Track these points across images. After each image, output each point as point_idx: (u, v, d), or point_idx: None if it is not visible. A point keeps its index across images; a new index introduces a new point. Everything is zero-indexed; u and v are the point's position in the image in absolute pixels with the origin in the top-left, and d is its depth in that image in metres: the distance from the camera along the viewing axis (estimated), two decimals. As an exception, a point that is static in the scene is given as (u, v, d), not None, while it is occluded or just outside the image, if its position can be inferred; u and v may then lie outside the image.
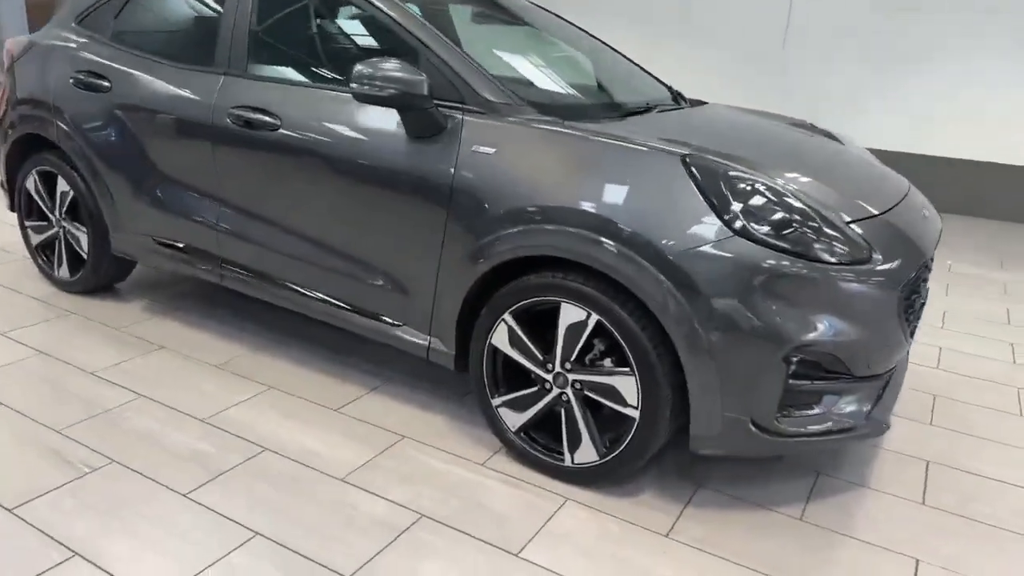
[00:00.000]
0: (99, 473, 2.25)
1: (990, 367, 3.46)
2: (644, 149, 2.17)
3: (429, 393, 2.86)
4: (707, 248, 2.01)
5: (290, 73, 2.84)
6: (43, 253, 3.66)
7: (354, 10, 2.71)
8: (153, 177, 3.09)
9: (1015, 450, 2.75)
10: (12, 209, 3.76)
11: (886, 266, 2.12)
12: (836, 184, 2.34)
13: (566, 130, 2.27)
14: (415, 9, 2.62)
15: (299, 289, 2.79)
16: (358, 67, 2.31)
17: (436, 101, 2.37)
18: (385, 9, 2.57)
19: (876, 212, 2.26)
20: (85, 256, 3.45)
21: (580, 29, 3.48)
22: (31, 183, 3.54)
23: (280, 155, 2.66)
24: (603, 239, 2.07)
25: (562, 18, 3.49)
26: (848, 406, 2.20)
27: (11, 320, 3.28)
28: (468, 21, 3.03)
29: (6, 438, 2.41)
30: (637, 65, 3.46)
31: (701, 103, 3.20)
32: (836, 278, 2.05)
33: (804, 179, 2.25)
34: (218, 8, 2.94)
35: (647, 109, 2.79)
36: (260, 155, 2.72)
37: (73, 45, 3.34)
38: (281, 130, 2.65)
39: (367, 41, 2.79)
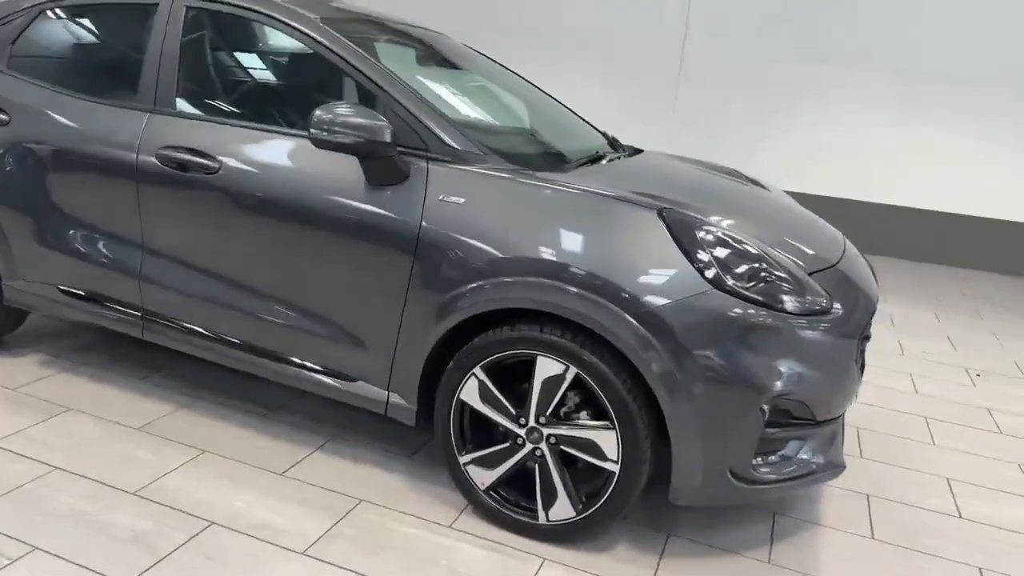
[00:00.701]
0: (20, 564, 1.96)
1: (898, 399, 3.71)
2: (620, 202, 2.18)
3: (379, 451, 2.71)
4: (686, 299, 2.02)
5: (229, 112, 2.65)
6: (-89, 304, 3.22)
7: (303, 48, 2.56)
8: (61, 221, 2.79)
9: (936, 479, 2.94)
10: None
11: (845, 315, 2.22)
12: (790, 236, 2.44)
13: (541, 181, 2.24)
14: (375, 53, 2.52)
15: (239, 343, 2.59)
16: (317, 113, 2.19)
17: (398, 148, 2.28)
18: (337, 50, 2.45)
19: (830, 263, 2.37)
20: (-31, 307, 3.06)
21: (515, 73, 3.48)
22: (-102, 226, 3.11)
23: (219, 200, 2.47)
24: (585, 292, 2.04)
25: (497, 62, 3.48)
26: (809, 450, 2.27)
27: None
28: (413, 63, 2.96)
29: None
30: (571, 110, 3.50)
31: (638, 151, 3.26)
32: (804, 328, 2.12)
33: (765, 233, 2.33)
34: (140, 39, 2.71)
35: (598, 157, 2.81)
36: (195, 199, 2.52)
37: (-42, 73, 2.99)
38: (220, 173, 2.46)
39: (319, 82, 2.66)
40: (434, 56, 3.15)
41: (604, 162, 2.79)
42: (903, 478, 2.92)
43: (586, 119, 3.49)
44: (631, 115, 7.39)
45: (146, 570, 1.98)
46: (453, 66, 3.20)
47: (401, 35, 3.09)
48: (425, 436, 2.79)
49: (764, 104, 7.27)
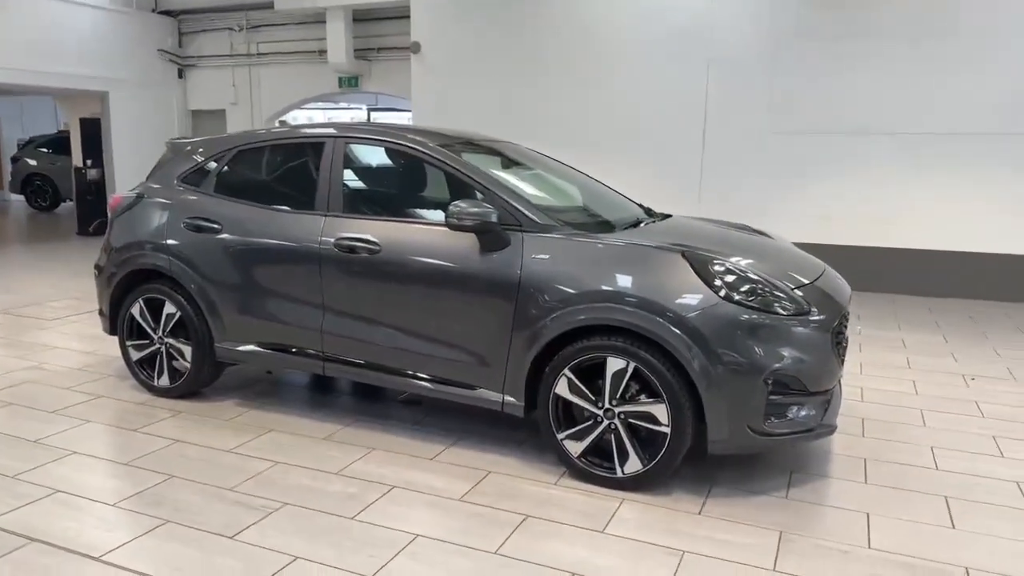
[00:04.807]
0: (282, 512, 3.01)
1: (899, 398, 4.58)
2: (655, 248, 3.24)
3: (494, 443, 3.71)
4: (706, 311, 3.04)
5: (382, 211, 3.84)
6: (142, 367, 4.39)
7: (428, 164, 3.76)
8: (259, 296, 3.95)
9: (922, 447, 3.80)
10: (112, 333, 4.49)
11: (819, 316, 3.20)
12: (779, 264, 3.46)
13: (600, 240, 3.32)
14: (476, 163, 3.69)
15: (396, 371, 3.66)
16: (450, 208, 3.33)
17: (502, 226, 3.39)
18: (452, 164, 3.63)
19: (808, 281, 3.37)
20: (188, 365, 4.20)
21: (569, 165, 4.62)
22: (136, 309, 4.31)
23: (381, 270, 3.60)
24: (640, 310, 3.07)
25: (554, 158, 4.63)
26: (807, 413, 3.20)
27: (134, 421, 3.98)
28: (499, 165, 4.12)
29: (194, 497, 3.13)
30: (613, 189, 4.59)
31: (668, 216, 4.32)
32: (789, 325, 3.11)
33: (759, 262, 3.36)
34: (313, 165, 3.93)
35: (638, 222, 3.89)
36: (363, 272, 3.65)
37: (180, 198, 4.24)
38: (381, 253, 3.60)
39: (440, 186, 3.82)
40: (512, 158, 4.31)
41: (642, 225, 3.86)
42: (895, 448, 3.79)
43: (625, 195, 4.59)
44: (664, 188, 8.49)
45: (362, 510, 3.01)
46: (525, 164, 4.34)
47: (487, 146, 4.27)
48: (525, 432, 3.77)
49: (777, 170, 8.33)
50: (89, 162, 12.22)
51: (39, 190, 16.49)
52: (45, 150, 16.47)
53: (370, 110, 17.21)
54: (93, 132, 12.30)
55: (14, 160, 16.99)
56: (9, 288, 7.80)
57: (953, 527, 3.00)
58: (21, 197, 17.00)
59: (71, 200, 13.90)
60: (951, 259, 7.85)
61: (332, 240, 3.72)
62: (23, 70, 10.74)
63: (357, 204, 3.89)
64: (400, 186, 4.14)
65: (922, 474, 3.49)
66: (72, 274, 8.46)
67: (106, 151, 12.30)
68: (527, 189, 3.87)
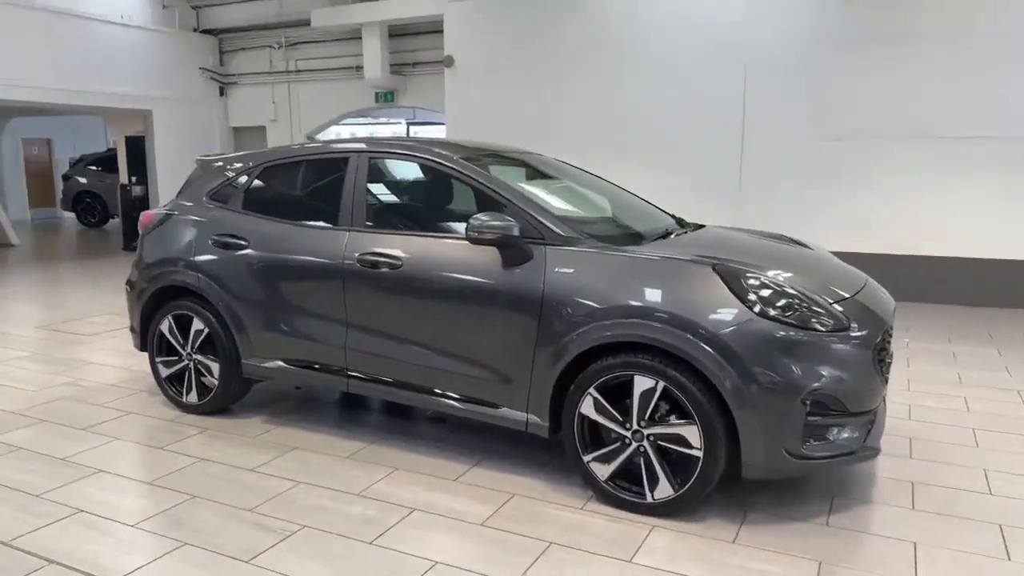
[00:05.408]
0: (300, 535, 2.94)
1: (949, 416, 4.33)
2: (685, 261, 3.11)
3: (517, 464, 3.60)
4: (740, 327, 2.89)
5: (405, 226, 3.78)
6: (172, 383, 4.39)
7: (451, 177, 3.69)
8: (286, 312, 3.92)
9: (974, 469, 3.57)
10: (142, 349, 4.51)
11: (860, 332, 3.02)
12: (818, 277, 3.29)
13: (626, 253, 3.20)
14: (500, 175, 3.60)
15: (418, 388, 3.58)
16: (471, 221, 3.24)
17: (524, 239, 3.29)
18: (476, 177, 3.55)
19: (848, 295, 3.20)
20: (216, 382, 4.19)
21: (603, 179, 4.50)
22: (165, 325, 4.32)
23: (403, 286, 3.54)
24: (669, 327, 2.94)
25: (584, 169, 4.52)
26: (848, 435, 3.02)
27: (161, 439, 3.98)
28: (524, 177, 4.03)
29: (213, 518, 3.09)
30: (645, 200, 4.46)
31: (701, 226, 4.17)
32: (828, 342, 2.94)
33: (797, 275, 3.19)
34: (338, 181, 3.89)
35: (667, 233, 3.75)
36: (386, 287, 3.59)
37: (209, 214, 4.25)
38: (403, 268, 3.53)
39: (464, 199, 3.74)
40: (538, 170, 4.22)
41: (672, 236, 3.72)
42: (945, 470, 3.58)
43: (656, 205, 4.46)
44: (702, 197, 8.31)
45: (381, 534, 2.93)
46: (551, 176, 4.25)
47: (512, 158, 4.19)
48: (550, 453, 3.66)
49: (817, 177, 8.08)
50: (134, 179, 12.51)
51: (89, 207, 16.96)
52: (95, 168, 16.95)
53: (409, 124, 17.33)
54: (138, 150, 12.59)
55: (65, 178, 17.52)
56: (52, 303, 7.97)
57: (1009, 558, 2.79)
58: (72, 214, 17.52)
59: (119, 217, 14.24)
60: (1005, 268, 7.50)
61: (356, 256, 3.67)
62: (72, 90, 11.06)
63: (381, 219, 3.84)
64: (423, 200, 4.09)
65: (974, 499, 3.27)
66: (113, 289, 8.61)
67: (150, 168, 12.57)
68: (552, 201, 3.77)
